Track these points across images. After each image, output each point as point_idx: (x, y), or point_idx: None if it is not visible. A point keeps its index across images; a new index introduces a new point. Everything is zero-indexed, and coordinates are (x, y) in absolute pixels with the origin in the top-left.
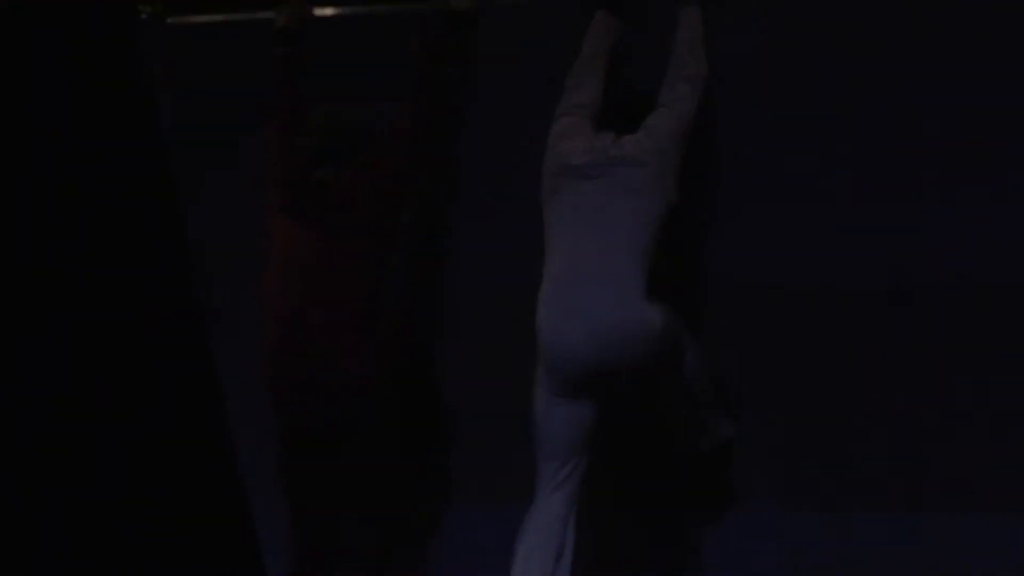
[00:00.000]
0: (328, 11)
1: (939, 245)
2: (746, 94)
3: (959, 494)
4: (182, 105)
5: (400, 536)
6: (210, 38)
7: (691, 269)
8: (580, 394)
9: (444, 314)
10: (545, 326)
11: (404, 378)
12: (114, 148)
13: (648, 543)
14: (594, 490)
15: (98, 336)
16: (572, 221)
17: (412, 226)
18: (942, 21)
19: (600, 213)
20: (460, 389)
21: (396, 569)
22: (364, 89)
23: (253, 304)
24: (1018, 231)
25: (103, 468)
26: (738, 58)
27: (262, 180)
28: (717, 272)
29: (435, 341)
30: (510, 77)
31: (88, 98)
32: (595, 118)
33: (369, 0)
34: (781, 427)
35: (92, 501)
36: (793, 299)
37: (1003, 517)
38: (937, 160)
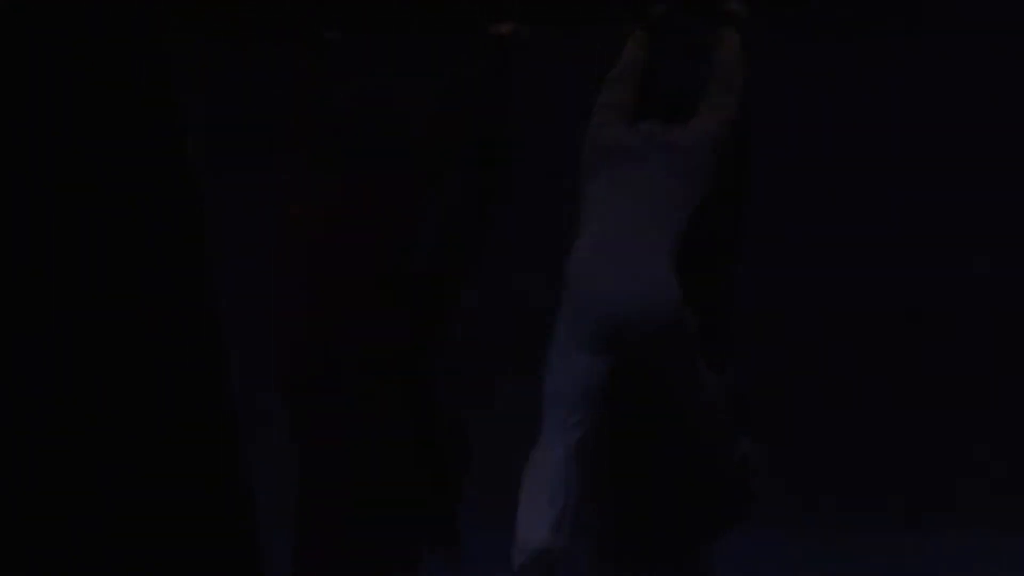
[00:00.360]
0: (377, 36)
1: (947, 265)
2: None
3: (961, 515)
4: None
5: (402, 536)
6: (248, 62)
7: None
8: (602, 346)
9: (453, 315)
10: (578, 275)
11: (406, 377)
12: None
13: (652, 564)
14: (599, 506)
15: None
16: (612, 193)
17: (433, 232)
18: (949, 23)
19: (641, 189)
20: (467, 390)
21: (397, 570)
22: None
23: (261, 304)
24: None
25: (108, 460)
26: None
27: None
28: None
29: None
30: (548, 99)
31: (118, 109)
32: (631, 117)
33: (413, 27)
34: (784, 449)
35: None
36: (801, 320)
37: (1005, 538)
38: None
